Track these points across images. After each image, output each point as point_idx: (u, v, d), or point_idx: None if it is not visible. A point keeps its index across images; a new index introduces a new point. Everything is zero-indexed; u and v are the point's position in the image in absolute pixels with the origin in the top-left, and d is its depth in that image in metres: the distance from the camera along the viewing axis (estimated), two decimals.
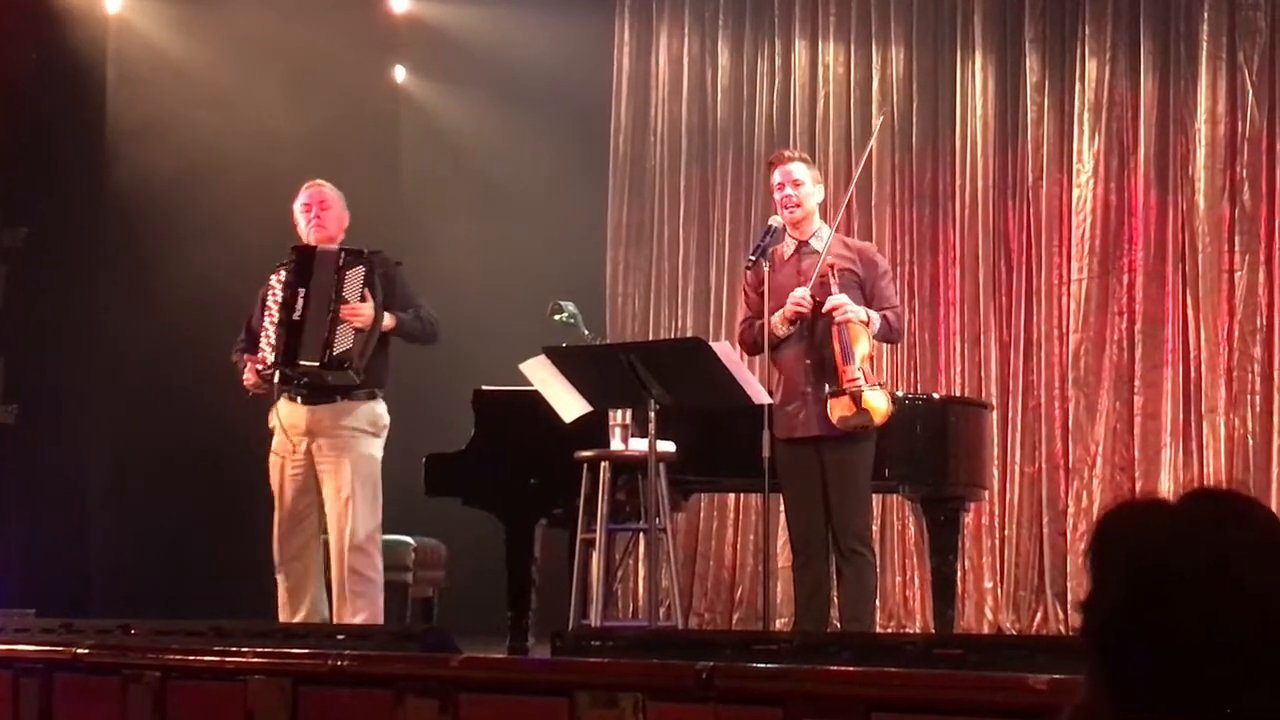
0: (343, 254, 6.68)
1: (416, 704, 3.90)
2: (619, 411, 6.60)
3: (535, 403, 6.39)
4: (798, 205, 6.41)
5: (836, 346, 6.19)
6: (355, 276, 6.63)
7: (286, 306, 6.61)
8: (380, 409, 6.77)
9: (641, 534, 7.00)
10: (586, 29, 10.51)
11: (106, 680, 4.72)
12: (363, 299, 6.60)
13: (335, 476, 6.67)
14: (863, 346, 6.19)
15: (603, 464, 6.61)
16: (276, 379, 6.60)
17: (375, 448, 6.75)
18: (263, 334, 6.68)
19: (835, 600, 6.41)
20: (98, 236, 9.55)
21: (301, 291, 6.63)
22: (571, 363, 6.27)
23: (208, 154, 9.42)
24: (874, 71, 9.98)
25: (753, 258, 6.49)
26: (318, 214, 6.84)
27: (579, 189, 10.35)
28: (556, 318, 7.12)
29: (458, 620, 7.42)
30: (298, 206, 6.92)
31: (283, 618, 6.67)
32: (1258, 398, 8.81)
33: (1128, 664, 1.53)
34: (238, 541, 9.18)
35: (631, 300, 10.53)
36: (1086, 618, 1.59)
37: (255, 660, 4.40)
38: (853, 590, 6.34)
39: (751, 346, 6.56)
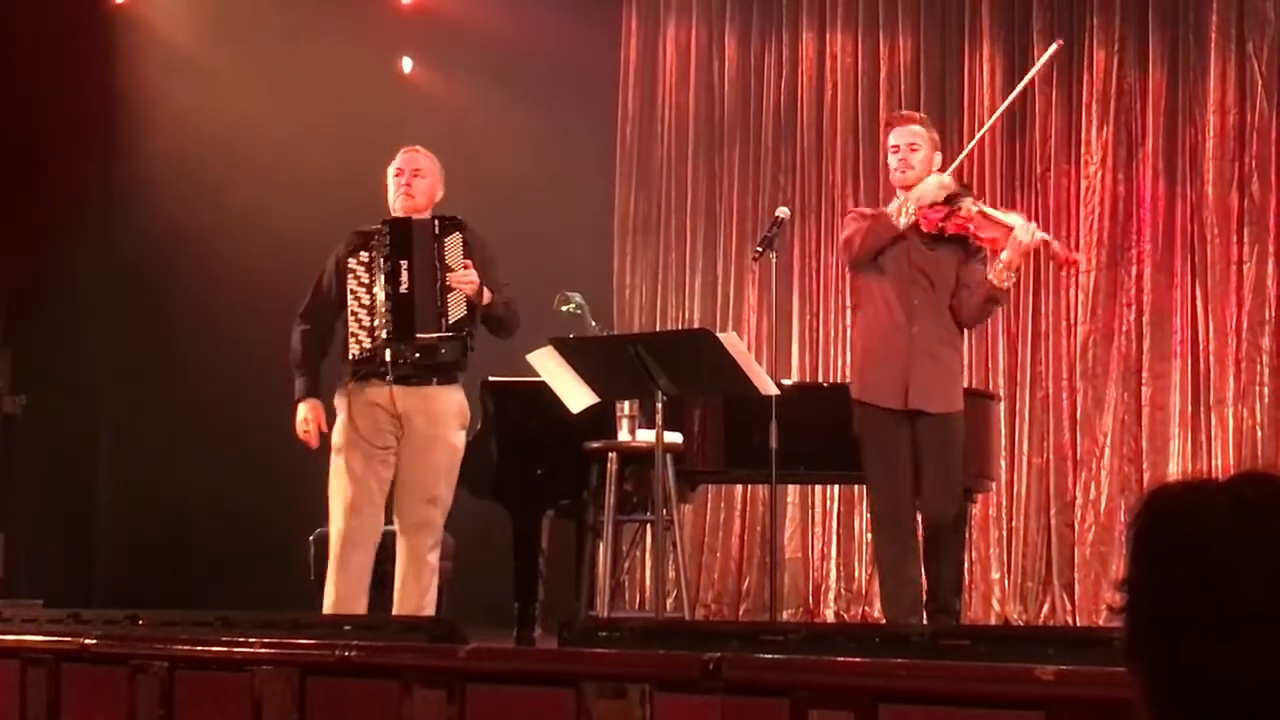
0: (437, 221, 6.39)
1: (424, 694, 3.90)
2: (626, 402, 6.60)
3: (542, 394, 6.38)
4: (910, 168, 6.39)
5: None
6: (454, 243, 6.35)
7: (391, 280, 6.28)
8: (463, 397, 6.48)
9: (649, 525, 7.00)
10: (593, 19, 10.50)
11: (114, 670, 4.71)
12: (466, 267, 6.32)
13: (424, 468, 6.34)
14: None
15: (610, 455, 6.61)
16: (389, 356, 6.26)
17: (462, 439, 6.46)
18: (351, 319, 6.33)
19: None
20: (105, 227, 9.57)
21: (404, 264, 6.29)
22: (579, 354, 6.27)
23: (212, 143, 9.43)
24: (882, 62, 9.97)
25: (760, 248, 6.52)
26: (409, 180, 6.48)
27: (586, 180, 10.35)
28: (564, 309, 7.13)
29: (465, 611, 7.43)
30: (391, 170, 6.55)
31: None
32: (1266, 389, 8.80)
33: (1176, 645, 1.52)
34: (245, 531, 9.20)
35: (639, 291, 10.52)
36: (1131, 599, 1.56)
37: (263, 651, 4.39)
38: (947, 575, 6.36)
39: (868, 236, 6.41)
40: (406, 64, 10.67)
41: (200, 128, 9.49)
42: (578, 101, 10.40)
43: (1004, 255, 6.24)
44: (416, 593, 6.35)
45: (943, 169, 6.50)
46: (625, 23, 10.69)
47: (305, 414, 6.47)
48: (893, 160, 6.47)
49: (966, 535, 7.67)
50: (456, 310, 6.32)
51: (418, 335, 6.28)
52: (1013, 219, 6.36)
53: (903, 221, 6.31)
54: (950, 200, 6.30)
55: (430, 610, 6.37)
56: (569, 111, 10.30)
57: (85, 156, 9.50)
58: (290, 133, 9.45)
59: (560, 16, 10.22)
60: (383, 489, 6.36)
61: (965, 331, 6.63)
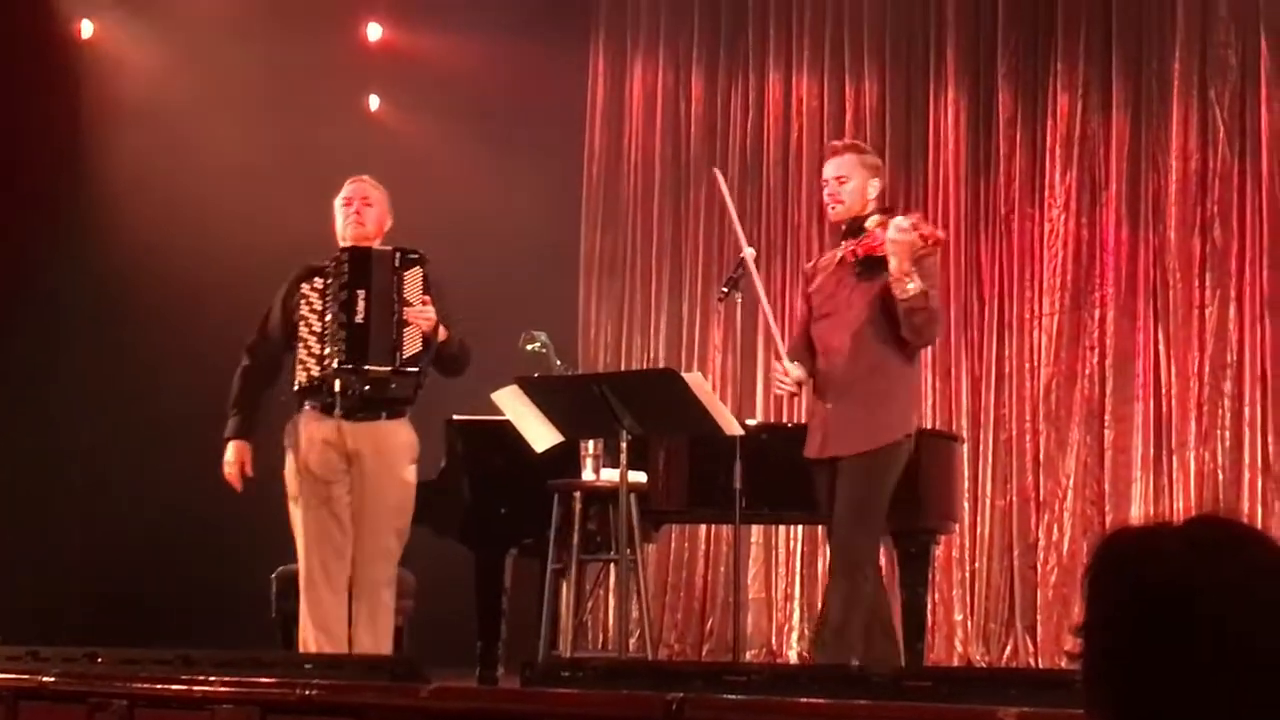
0: (398, 254, 6.29)
1: None
2: (590, 441, 6.59)
3: (507, 432, 6.37)
4: (839, 202, 6.15)
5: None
6: (414, 277, 6.26)
7: (346, 309, 6.18)
8: (412, 431, 6.37)
9: (612, 564, 6.99)
10: (561, 59, 10.53)
11: (73, 708, 4.68)
12: (424, 301, 6.22)
13: (379, 504, 6.25)
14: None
15: (574, 494, 6.60)
16: (337, 386, 6.16)
17: (413, 474, 6.36)
18: (300, 345, 6.23)
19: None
20: (70, 258, 9.53)
21: (361, 293, 6.19)
22: (544, 393, 6.27)
23: (179, 179, 9.41)
24: (847, 104, 10.02)
25: (724, 289, 6.48)
26: (359, 209, 6.41)
27: (552, 219, 10.35)
28: (528, 347, 7.12)
29: (427, 649, 7.39)
30: (338, 201, 6.48)
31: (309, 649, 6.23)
32: (1227, 433, 8.85)
33: (1134, 690, 1.52)
34: (207, 567, 9.15)
35: (604, 331, 10.53)
36: (1088, 644, 1.57)
37: (223, 689, 4.37)
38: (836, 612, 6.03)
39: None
40: (373, 101, 10.67)
41: (166, 162, 9.47)
42: (544, 141, 10.41)
43: (890, 265, 5.90)
44: (372, 632, 6.29)
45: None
46: (592, 63, 10.72)
47: (229, 455, 6.39)
48: (825, 195, 6.26)
49: (929, 575, 7.66)
50: (411, 345, 6.23)
51: (369, 367, 6.18)
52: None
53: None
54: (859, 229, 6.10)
55: (387, 650, 6.31)
56: (535, 151, 10.31)
57: (51, 188, 9.47)
58: (256, 166, 9.44)
59: (527, 56, 10.23)
60: (344, 527, 6.27)
61: (909, 359, 6.19)
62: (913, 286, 5.87)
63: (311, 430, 6.27)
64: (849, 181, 6.13)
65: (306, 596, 6.28)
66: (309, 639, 6.25)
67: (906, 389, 6.26)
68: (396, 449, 6.31)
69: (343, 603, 6.29)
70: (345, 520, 6.28)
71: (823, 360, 6.19)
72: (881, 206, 6.24)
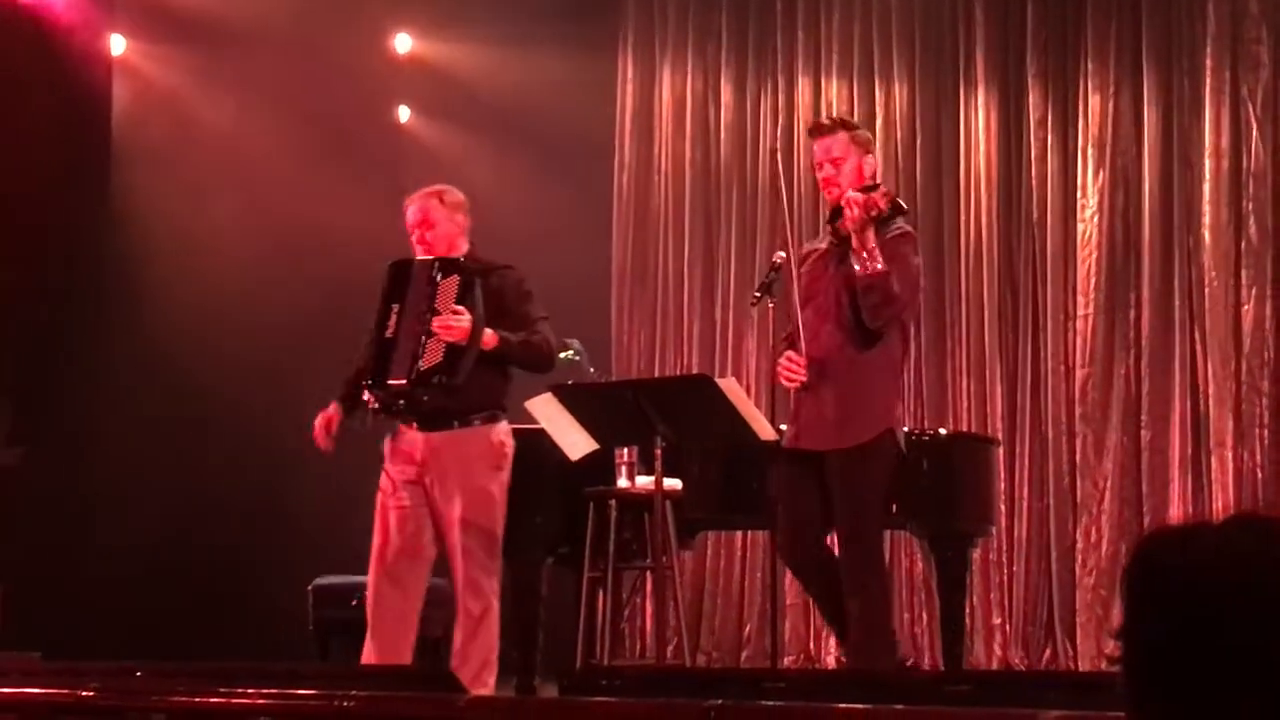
0: (436, 264, 6.20)
1: None
2: (625, 449, 6.58)
3: (541, 440, 6.37)
4: (836, 185, 5.89)
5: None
6: (449, 287, 6.14)
7: (380, 325, 6.19)
8: (500, 435, 6.25)
9: (648, 572, 6.98)
10: (589, 67, 10.52)
11: None
12: (457, 311, 6.11)
13: (449, 513, 6.16)
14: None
15: (610, 502, 6.59)
16: (376, 405, 6.15)
17: (492, 480, 6.22)
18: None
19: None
20: (103, 278, 9.57)
21: (395, 308, 6.19)
22: (578, 401, 6.25)
23: (211, 196, 9.45)
24: (877, 108, 9.98)
25: (758, 294, 6.40)
26: (422, 235, 6.35)
27: (583, 227, 10.34)
28: (562, 355, 7.12)
29: None
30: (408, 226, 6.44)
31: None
32: (1266, 431, 8.80)
33: (1175, 693, 1.51)
34: (244, 582, 9.18)
35: (637, 338, 10.49)
36: (1128, 647, 1.55)
37: (262, 701, 4.37)
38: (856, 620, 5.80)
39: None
40: (403, 113, 10.69)
41: (197, 178, 9.51)
42: (574, 149, 10.40)
43: (852, 240, 5.71)
44: (467, 647, 6.20)
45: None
46: (621, 70, 10.70)
47: (321, 414, 6.34)
48: (819, 175, 6.01)
49: (966, 579, 7.61)
50: (431, 356, 6.12)
51: (389, 382, 6.13)
52: None
53: None
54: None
55: (491, 672, 6.21)
56: (565, 159, 10.31)
57: (81, 208, 9.51)
58: (288, 184, 9.47)
59: (556, 64, 10.24)
60: (416, 540, 6.22)
61: (890, 350, 5.86)
62: (863, 263, 5.65)
63: (393, 444, 6.28)
64: (845, 161, 5.90)
65: (370, 606, 6.26)
66: (367, 649, 6.23)
67: (884, 381, 5.90)
68: (468, 457, 6.21)
69: (404, 614, 6.25)
70: (421, 532, 6.23)
71: (803, 348, 5.91)
72: (870, 185, 5.93)
